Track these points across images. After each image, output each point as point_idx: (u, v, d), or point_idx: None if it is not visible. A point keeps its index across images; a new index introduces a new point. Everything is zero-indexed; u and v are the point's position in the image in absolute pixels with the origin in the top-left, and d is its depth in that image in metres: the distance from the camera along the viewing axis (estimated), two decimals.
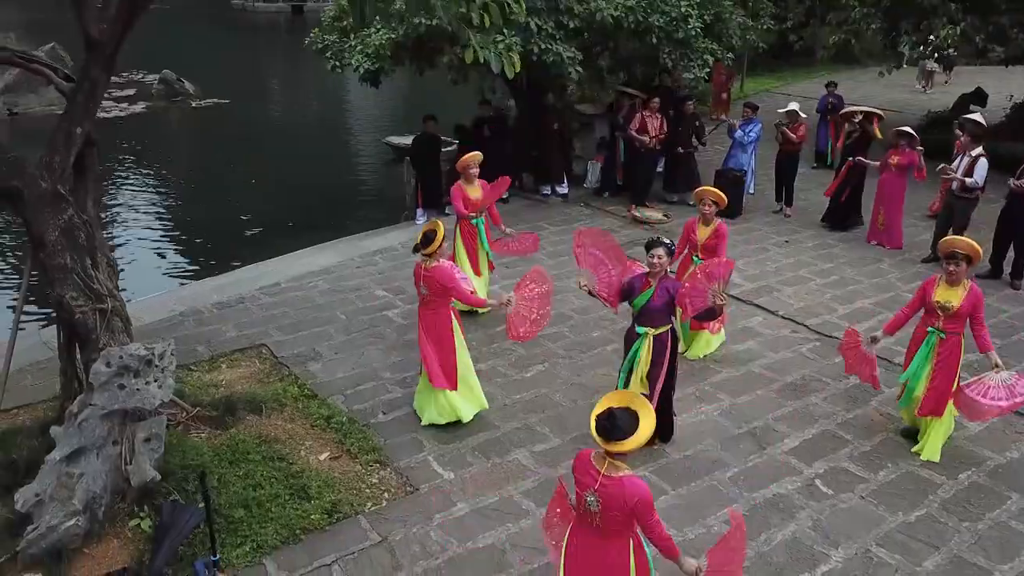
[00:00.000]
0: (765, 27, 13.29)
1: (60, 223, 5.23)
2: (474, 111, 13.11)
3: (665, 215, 11.86)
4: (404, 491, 5.87)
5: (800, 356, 7.89)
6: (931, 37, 12.64)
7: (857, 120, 11.12)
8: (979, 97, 16.75)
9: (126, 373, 5.18)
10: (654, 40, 11.22)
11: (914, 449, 6.34)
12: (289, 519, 5.43)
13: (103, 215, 14.45)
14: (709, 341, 7.86)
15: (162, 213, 15.13)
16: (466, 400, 6.64)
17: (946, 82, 23.19)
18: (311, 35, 12.35)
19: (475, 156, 8.40)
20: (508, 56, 6.07)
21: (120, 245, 13.21)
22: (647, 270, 6.00)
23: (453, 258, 8.31)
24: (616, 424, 3.80)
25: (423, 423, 6.60)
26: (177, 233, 13.92)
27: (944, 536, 5.46)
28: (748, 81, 22.93)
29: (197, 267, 12.25)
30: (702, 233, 7.67)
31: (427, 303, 6.48)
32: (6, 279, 11.66)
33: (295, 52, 12.59)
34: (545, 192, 12.88)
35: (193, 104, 24.43)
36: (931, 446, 6.30)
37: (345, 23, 11.60)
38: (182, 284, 11.11)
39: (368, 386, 7.24)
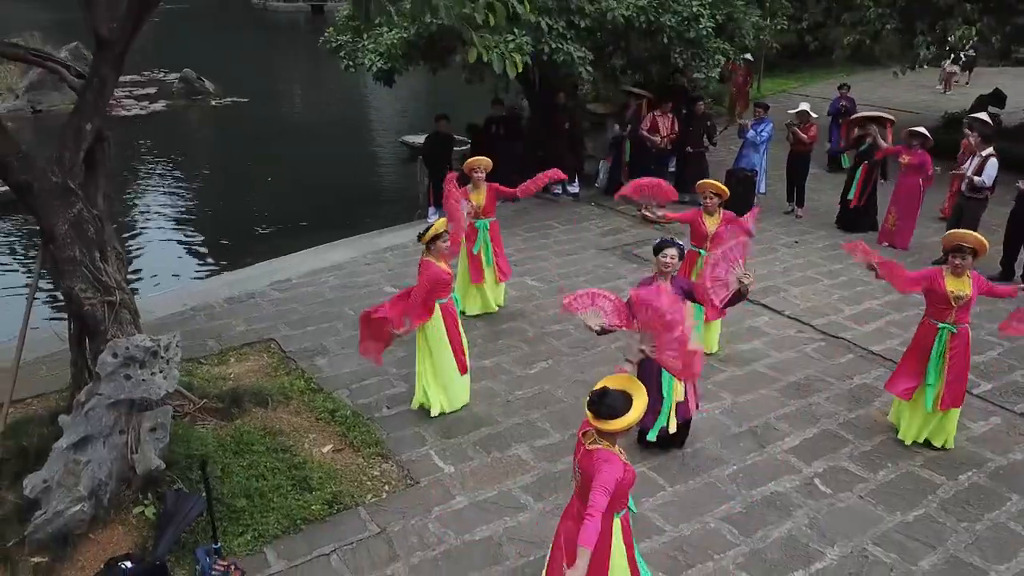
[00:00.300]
0: (779, 27, 13.24)
1: (69, 216, 5.35)
2: (509, 110, 13.22)
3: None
4: (404, 484, 5.95)
5: (804, 356, 7.89)
6: (947, 38, 12.52)
7: (870, 130, 11.07)
8: (997, 98, 16.59)
9: (132, 364, 5.28)
10: (665, 40, 11.24)
11: (938, 444, 6.36)
12: (290, 509, 5.53)
13: (126, 211, 14.78)
14: (712, 340, 7.86)
15: (180, 210, 15.32)
16: (436, 396, 6.76)
17: (966, 83, 22.98)
18: (325, 34, 12.46)
19: (480, 160, 8.42)
20: (511, 56, 6.12)
21: (139, 241, 13.43)
22: (653, 274, 5.98)
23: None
24: (606, 403, 3.90)
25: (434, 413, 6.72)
26: (194, 230, 14.11)
27: (941, 536, 5.46)
28: (766, 81, 22.84)
29: (213, 263, 12.42)
30: (710, 224, 7.68)
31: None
32: (24, 274, 11.87)
33: (314, 51, 12.73)
34: (556, 191, 12.91)
35: (212, 103, 24.69)
36: (950, 434, 6.37)
37: (358, 22, 11.69)
38: (200, 279, 11.30)
39: (373, 381, 7.32)
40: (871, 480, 6.02)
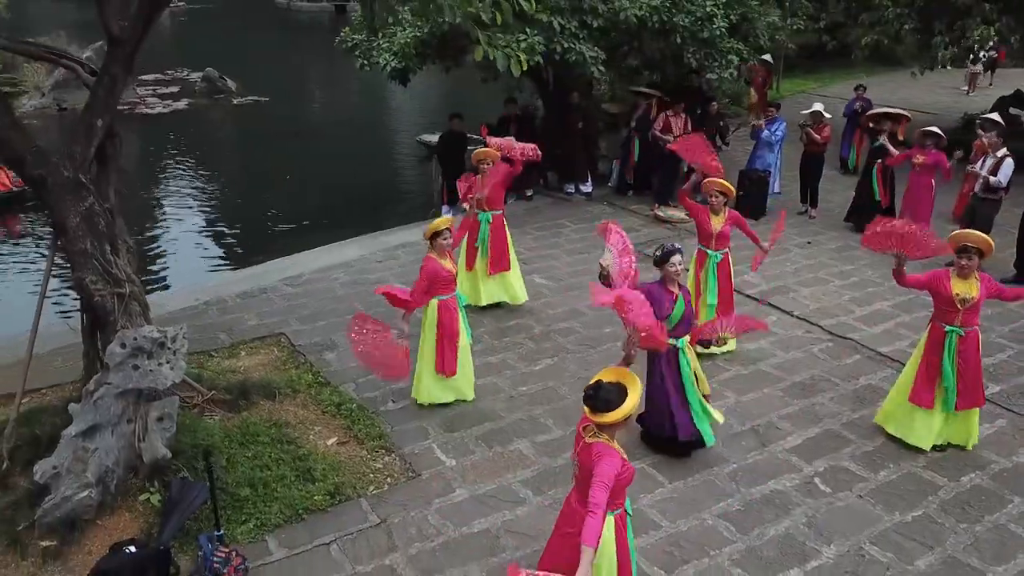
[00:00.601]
0: (795, 27, 13.18)
1: (81, 210, 5.48)
2: (524, 109, 13.32)
3: (687, 214, 11.85)
4: (406, 476, 6.04)
5: (811, 356, 7.88)
6: (965, 38, 12.41)
7: (884, 126, 11.01)
8: (1019, 100, 16.40)
9: (140, 354, 5.41)
10: (678, 40, 11.25)
11: (967, 445, 6.33)
12: (293, 499, 5.63)
13: (147, 207, 15.02)
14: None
15: (199, 207, 15.54)
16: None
17: (989, 84, 22.72)
18: (341, 34, 12.60)
19: (488, 152, 8.49)
20: (515, 55, 6.17)
21: (158, 236, 13.65)
22: (666, 282, 5.99)
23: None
24: (600, 396, 3.95)
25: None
26: (213, 226, 14.31)
27: (940, 537, 5.45)
28: (785, 82, 22.71)
29: (231, 259, 12.60)
30: (715, 223, 7.69)
31: None
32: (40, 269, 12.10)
33: (335, 51, 12.89)
34: (569, 190, 12.97)
35: (234, 101, 24.95)
36: (972, 433, 6.35)
37: (381, 22, 11.77)
38: (216, 274, 11.49)
39: None
40: (871, 480, 6.01)
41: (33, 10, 42.13)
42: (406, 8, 7.19)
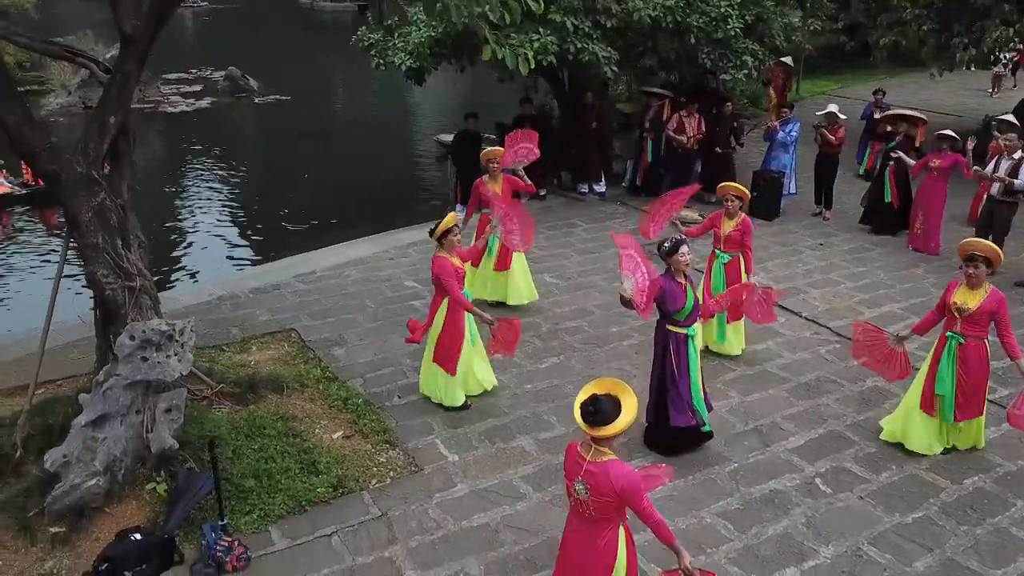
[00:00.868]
0: (812, 28, 13.11)
1: (93, 205, 5.61)
2: (540, 109, 13.40)
3: (701, 215, 11.83)
4: (409, 470, 6.11)
5: (818, 358, 7.87)
6: (984, 39, 12.29)
7: (901, 129, 10.95)
8: None
9: (148, 346, 5.53)
10: (692, 40, 11.24)
11: (976, 446, 6.31)
12: (296, 491, 5.72)
13: (167, 203, 15.26)
14: (737, 343, 7.85)
15: (219, 204, 15.76)
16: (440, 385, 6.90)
17: (1013, 86, 22.43)
18: (358, 33, 12.71)
19: (496, 151, 8.58)
20: (523, 54, 6.23)
21: (178, 233, 13.86)
22: (674, 273, 6.03)
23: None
24: (600, 409, 3.92)
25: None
26: (232, 224, 14.52)
27: (940, 539, 5.43)
28: (805, 83, 22.55)
29: (247, 256, 12.78)
30: (726, 226, 7.72)
31: (437, 291, 6.75)
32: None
33: (356, 50, 13.03)
34: (583, 190, 13.00)
35: (256, 100, 25.22)
36: (976, 437, 6.33)
37: (389, 21, 11.87)
38: (233, 270, 11.66)
39: (387, 371, 7.51)
40: (873, 481, 6.00)
41: (62, 10, 42.81)
42: (416, 8, 7.26)
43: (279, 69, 29.42)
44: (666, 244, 6.07)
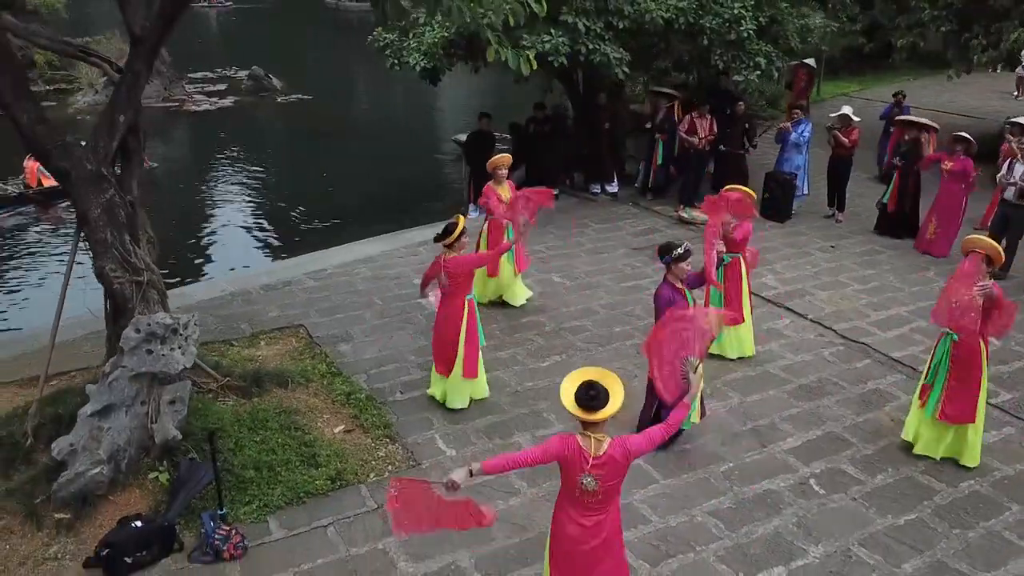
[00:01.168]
0: (828, 30, 13.04)
1: (102, 201, 5.77)
2: (555, 109, 13.54)
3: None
4: (407, 465, 6.21)
5: (821, 359, 7.87)
6: (1002, 41, 12.17)
7: (911, 135, 10.91)
8: None
9: (153, 339, 5.68)
10: (705, 42, 11.25)
11: (963, 462, 6.19)
12: (296, 483, 5.85)
13: (187, 201, 15.51)
14: (748, 341, 7.85)
15: (238, 202, 15.97)
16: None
17: None
18: (373, 33, 12.85)
19: (504, 158, 8.76)
20: (525, 55, 6.30)
21: (197, 230, 14.07)
22: (673, 280, 6.07)
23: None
24: (599, 394, 4.02)
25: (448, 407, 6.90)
26: (251, 221, 14.70)
27: (931, 541, 5.44)
28: (827, 84, 22.39)
29: (263, 254, 12.95)
30: (727, 225, 7.70)
31: (446, 293, 6.79)
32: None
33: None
34: (595, 190, 13.06)
35: (278, 99, 25.49)
36: (971, 452, 6.18)
37: (403, 22, 12.01)
38: (247, 266, 11.85)
39: (391, 367, 7.62)
40: (867, 483, 6.02)
41: (94, 9, 43.53)
42: (419, 10, 7.36)
43: (303, 68, 29.73)
44: (678, 250, 6.04)
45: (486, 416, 6.84)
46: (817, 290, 9.46)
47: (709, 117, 12.01)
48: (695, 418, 6.30)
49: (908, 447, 6.41)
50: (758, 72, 11.34)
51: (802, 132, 11.83)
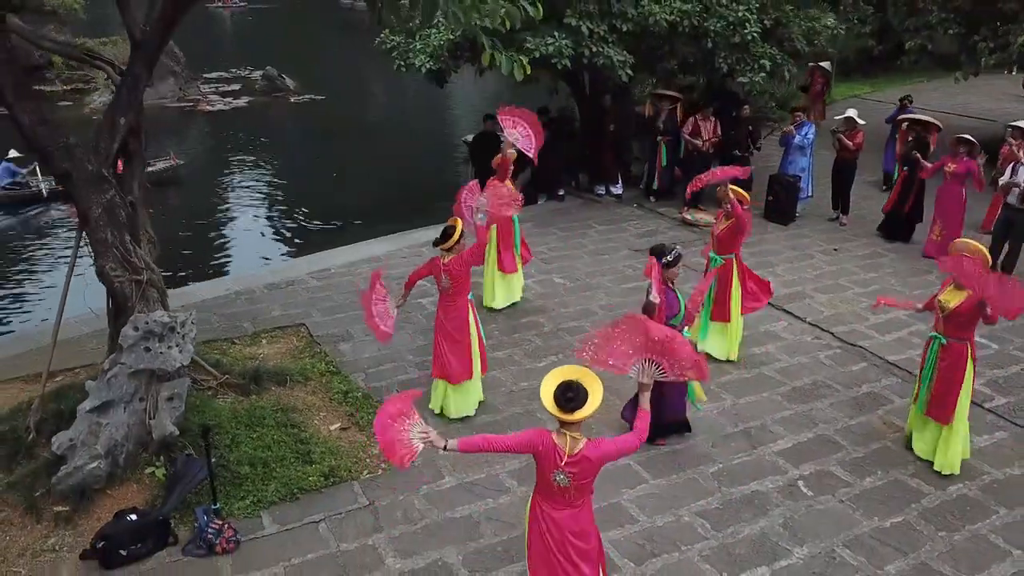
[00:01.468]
0: (836, 32, 12.99)
1: (103, 202, 5.90)
2: (562, 111, 13.65)
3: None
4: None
5: (816, 362, 7.89)
6: (1009, 43, 12.11)
7: (912, 136, 10.89)
8: None
9: (151, 337, 5.80)
10: (710, 45, 11.27)
11: (936, 466, 6.21)
12: (290, 479, 5.96)
13: (198, 200, 15.70)
14: (732, 344, 7.89)
15: (248, 202, 16.17)
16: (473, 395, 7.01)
17: None
18: (380, 36, 12.96)
19: (504, 159, 8.76)
20: (518, 60, 6.37)
21: (208, 228, 14.26)
22: (668, 284, 6.15)
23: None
24: (578, 395, 4.06)
25: (453, 416, 6.87)
26: (260, 221, 14.92)
27: (916, 543, 5.47)
28: (839, 86, 22.29)
29: (273, 253, 13.10)
30: (719, 226, 7.75)
31: (447, 296, 6.86)
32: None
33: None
34: (599, 191, 13.11)
35: (291, 99, 25.75)
36: (948, 458, 6.17)
37: (399, 26, 12.09)
38: (252, 266, 12.00)
39: (389, 366, 7.72)
40: (856, 486, 6.05)
41: (113, 11, 43.96)
42: (416, 13, 7.43)
43: (317, 69, 29.95)
44: (668, 256, 6.13)
45: (481, 415, 6.92)
46: (817, 293, 9.47)
47: (713, 119, 12.04)
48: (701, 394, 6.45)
49: (901, 449, 6.46)
50: (763, 74, 11.34)
51: (805, 134, 11.84)
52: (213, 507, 5.50)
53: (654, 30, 11.07)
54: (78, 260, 6.59)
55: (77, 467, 5.53)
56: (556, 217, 12.20)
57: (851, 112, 11.65)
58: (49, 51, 6.48)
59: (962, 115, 18.76)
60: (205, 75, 27.63)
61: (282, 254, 12.95)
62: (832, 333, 8.46)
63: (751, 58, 11.55)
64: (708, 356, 7.74)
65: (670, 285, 6.17)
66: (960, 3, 13.13)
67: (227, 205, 15.89)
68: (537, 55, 10.16)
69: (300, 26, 43.71)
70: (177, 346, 5.90)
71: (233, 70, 29.21)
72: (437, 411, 6.92)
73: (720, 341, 7.75)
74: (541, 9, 6.19)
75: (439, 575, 5.20)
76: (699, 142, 12.02)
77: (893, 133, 13.73)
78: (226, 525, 5.40)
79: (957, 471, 6.14)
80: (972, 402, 6.26)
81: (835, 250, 10.92)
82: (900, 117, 11.70)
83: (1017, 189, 9.52)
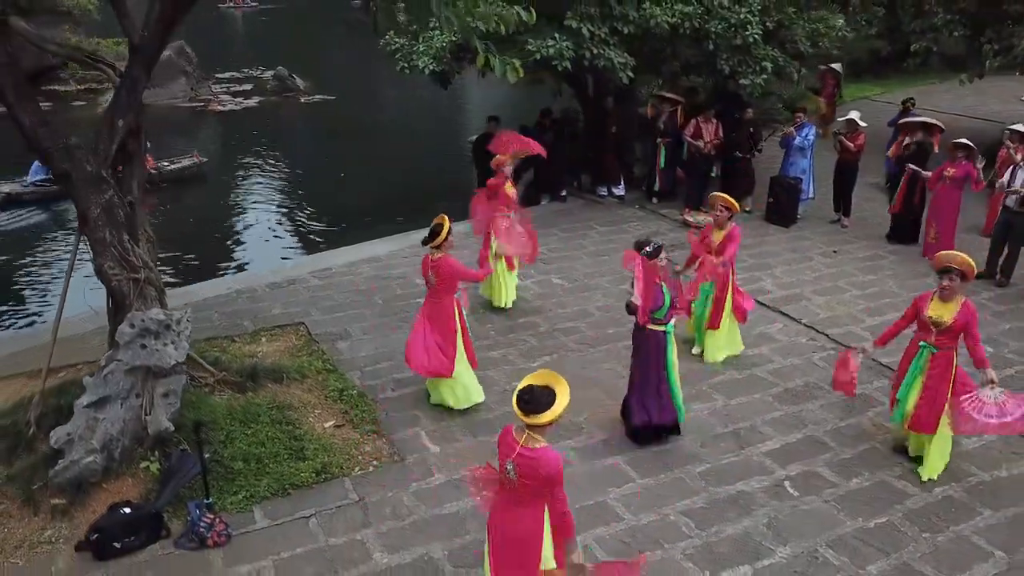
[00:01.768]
0: (841, 34, 12.99)
1: (102, 202, 6.03)
2: (565, 112, 13.75)
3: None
4: (392, 460, 6.40)
5: (809, 364, 7.93)
6: (1014, 45, 12.08)
7: (914, 138, 10.89)
8: None
9: (147, 334, 5.93)
10: (711, 47, 11.31)
11: (918, 470, 6.26)
12: (282, 475, 6.06)
13: (204, 200, 15.86)
14: (723, 346, 7.95)
15: (256, 201, 16.33)
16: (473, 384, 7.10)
17: None
18: (386, 37, 13.06)
19: (500, 160, 8.85)
20: (511, 63, 6.44)
21: (216, 228, 14.42)
22: (656, 279, 6.23)
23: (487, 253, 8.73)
24: (534, 398, 4.14)
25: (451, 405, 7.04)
26: (268, 221, 15.04)
27: (899, 544, 5.51)
28: (849, 88, 22.19)
29: (279, 252, 13.22)
30: (716, 237, 7.81)
31: (434, 292, 6.98)
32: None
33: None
34: (602, 192, 13.18)
35: (302, 99, 25.93)
36: (931, 464, 6.21)
37: (415, 26, 12.20)
38: (255, 265, 12.15)
39: (384, 364, 7.82)
40: (841, 486, 6.09)
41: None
42: (411, 18, 7.53)
43: (328, 69, 30.15)
44: (648, 248, 6.21)
45: (472, 414, 7.01)
46: (815, 295, 9.50)
47: (715, 121, 12.08)
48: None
49: (889, 451, 6.50)
50: (764, 77, 11.37)
51: (806, 136, 11.85)
52: (206, 501, 5.61)
53: (655, 32, 11.14)
54: (79, 259, 6.73)
55: (74, 461, 5.66)
56: (558, 218, 12.27)
57: (853, 114, 11.66)
58: (54, 54, 6.59)
59: (972, 117, 18.67)
60: (217, 75, 27.86)
61: (286, 253, 13.08)
62: (827, 335, 8.49)
63: (753, 60, 11.59)
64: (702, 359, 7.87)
65: (657, 280, 6.23)
66: (966, 5, 13.11)
67: (236, 205, 16.06)
68: (538, 57, 10.24)
69: (312, 26, 43.91)
70: (172, 343, 6.03)
71: (245, 70, 29.44)
72: (435, 400, 7.11)
73: (709, 343, 7.82)
74: (534, 14, 6.26)
75: (424, 570, 5.29)
76: (701, 144, 12.05)
77: (895, 135, 13.73)
78: (218, 519, 5.51)
79: (936, 477, 6.18)
80: None
81: (834, 252, 10.93)
82: (903, 120, 11.68)
83: (1016, 194, 9.51)
